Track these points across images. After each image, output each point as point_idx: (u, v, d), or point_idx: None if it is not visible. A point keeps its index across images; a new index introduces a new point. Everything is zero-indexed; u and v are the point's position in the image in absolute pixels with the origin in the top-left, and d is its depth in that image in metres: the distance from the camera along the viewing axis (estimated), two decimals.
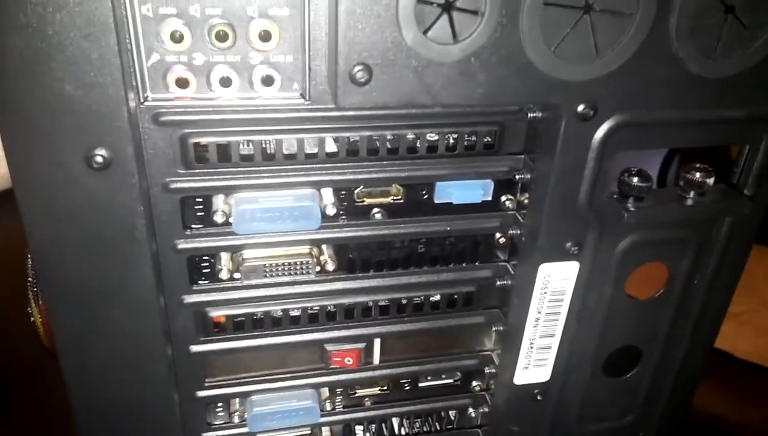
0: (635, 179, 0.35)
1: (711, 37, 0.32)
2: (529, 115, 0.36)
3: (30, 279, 0.58)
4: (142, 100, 0.31)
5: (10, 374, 0.64)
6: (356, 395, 0.46)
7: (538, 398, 0.44)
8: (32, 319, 0.59)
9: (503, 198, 0.40)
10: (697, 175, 0.36)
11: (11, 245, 0.44)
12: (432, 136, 0.36)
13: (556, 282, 0.39)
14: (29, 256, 0.46)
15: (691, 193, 0.37)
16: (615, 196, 0.37)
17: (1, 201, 0.90)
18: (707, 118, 0.35)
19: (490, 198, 0.39)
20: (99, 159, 0.30)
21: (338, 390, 0.45)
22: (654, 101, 0.34)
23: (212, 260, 0.38)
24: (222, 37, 0.30)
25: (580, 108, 0.33)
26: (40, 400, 0.61)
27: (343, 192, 0.38)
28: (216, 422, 0.44)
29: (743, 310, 0.70)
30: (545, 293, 0.39)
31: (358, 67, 0.29)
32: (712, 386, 0.63)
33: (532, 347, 0.41)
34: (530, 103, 0.35)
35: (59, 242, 0.32)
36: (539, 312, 0.40)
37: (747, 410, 0.62)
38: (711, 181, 0.36)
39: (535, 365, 0.42)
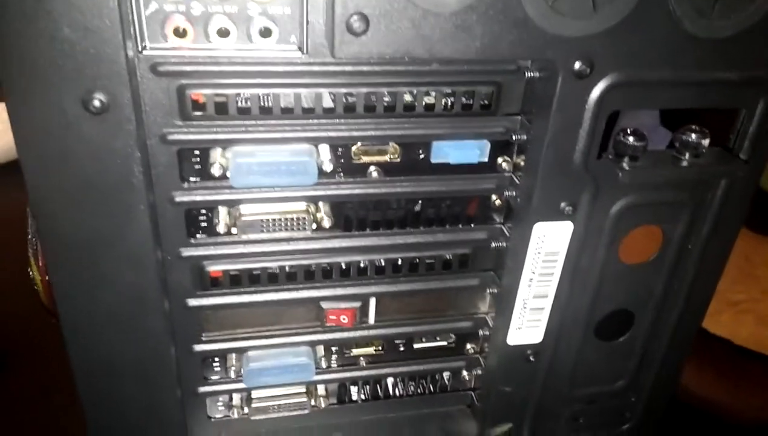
0: (630, 138, 0.36)
1: None
2: (526, 74, 0.36)
3: (30, 237, 0.58)
4: (140, 50, 0.32)
5: (8, 338, 0.64)
6: (351, 354, 0.47)
7: (531, 359, 0.44)
8: (32, 276, 0.59)
9: (499, 159, 0.40)
10: (693, 136, 0.36)
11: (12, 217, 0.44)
12: (429, 95, 0.37)
13: (550, 242, 0.39)
14: (29, 212, 0.47)
15: (687, 155, 0.37)
16: (610, 156, 0.37)
17: (4, 172, 0.91)
18: (703, 80, 0.35)
19: (486, 159, 0.39)
20: (96, 103, 0.30)
21: (333, 349, 0.46)
22: (650, 60, 0.34)
23: (210, 215, 0.38)
24: None
25: (577, 65, 0.33)
26: (37, 364, 0.61)
27: (340, 149, 0.38)
28: (212, 377, 0.44)
29: (743, 298, 0.70)
30: (539, 253, 0.40)
31: (355, 17, 0.29)
32: (710, 372, 0.64)
33: (525, 308, 0.42)
34: (526, 58, 0.35)
35: (57, 188, 0.32)
36: (533, 272, 0.40)
37: (744, 397, 0.63)
38: (706, 142, 0.36)
39: (528, 325, 0.43)
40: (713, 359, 0.65)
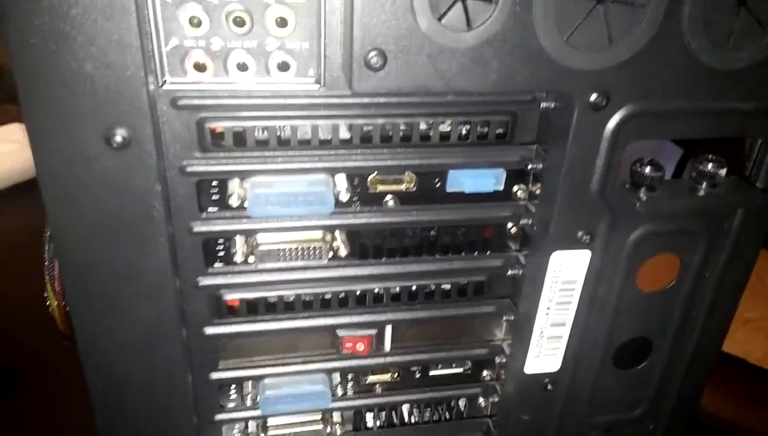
0: (648, 169, 0.36)
1: (723, 30, 0.32)
2: (541, 105, 0.36)
3: (46, 263, 0.59)
4: (160, 84, 0.32)
5: (22, 357, 0.65)
6: (367, 381, 0.47)
7: (549, 387, 0.44)
8: (47, 303, 0.60)
9: (515, 188, 0.40)
10: (710, 166, 0.36)
11: (28, 236, 0.45)
12: (445, 125, 0.37)
13: (567, 271, 0.39)
14: (46, 237, 0.47)
15: (704, 184, 0.37)
16: (627, 185, 0.37)
17: (20, 192, 0.92)
18: (718, 110, 0.35)
19: (501, 188, 0.40)
20: (119, 138, 0.30)
21: (349, 376, 0.46)
22: (666, 92, 0.34)
23: (227, 244, 0.39)
24: (239, 22, 0.31)
25: (593, 97, 0.33)
26: (50, 383, 0.61)
27: (356, 179, 0.38)
28: (228, 405, 0.45)
29: (755, 316, 0.70)
30: (556, 281, 0.39)
31: (372, 53, 0.30)
32: (725, 391, 0.63)
33: (542, 336, 0.42)
34: (542, 90, 0.35)
35: (78, 221, 0.32)
36: (550, 301, 0.40)
37: (759, 416, 0.62)
38: (723, 172, 0.36)
39: (545, 354, 0.43)
40: (727, 378, 0.64)
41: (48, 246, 0.50)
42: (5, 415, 0.59)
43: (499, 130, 0.37)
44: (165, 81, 0.32)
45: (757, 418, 0.61)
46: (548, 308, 0.41)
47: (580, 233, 0.38)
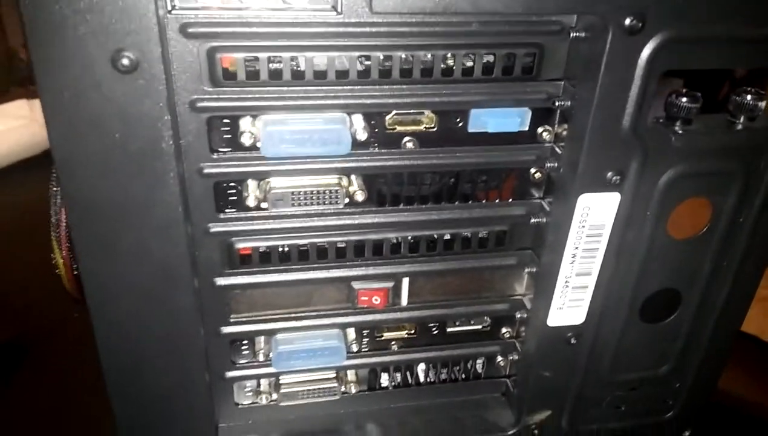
0: (684, 100, 0.34)
1: None
2: (571, 34, 0.34)
3: (52, 221, 0.57)
4: (169, 9, 0.30)
5: (30, 330, 0.64)
6: (383, 338, 0.45)
7: (572, 341, 0.42)
8: (54, 262, 0.58)
9: (540, 129, 0.38)
10: (748, 97, 0.34)
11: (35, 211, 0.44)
12: (468, 59, 0.35)
13: (595, 215, 0.37)
14: (52, 193, 0.46)
15: (742, 118, 0.35)
16: (661, 120, 0.35)
17: (27, 167, 0.92)
18: (759, 37, 0.33)
19: (527, 128, 0.38)
20: (125, 61, 0.29)
21: (365, 332, 0.45)
22: (704, 15, 0.32)
23: (239, 188, 0.37)
24: None
25: (628, 21, 0.31)
26: (59, 354, 0.61)
27: (373, 119, 0.36)
28: (240, 361, 0.43)
29: None
30: (583, 226, 0.38)
31: None
32: (738, 368, 0.62)
33: (567, 286, 0.40)
34: (575, 12, 0.33)
35: (84, 152, 0.31)
36: (576, 248, 0.39)
37: None
38: (762, 104, 0.35)
39: (570, 305, 0.41)
40: (741, 356, 0.63)
41: (53, 203, 0.49)
42: (14, 387, 0.58)
43: (525, 64, 0.35)
44: (174, 6, 0.30)
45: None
46: (573, 257, 0.39)
47: (609, 174, 0.36)
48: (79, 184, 0.32)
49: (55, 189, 0.41)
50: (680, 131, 0.34)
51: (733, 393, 0.59)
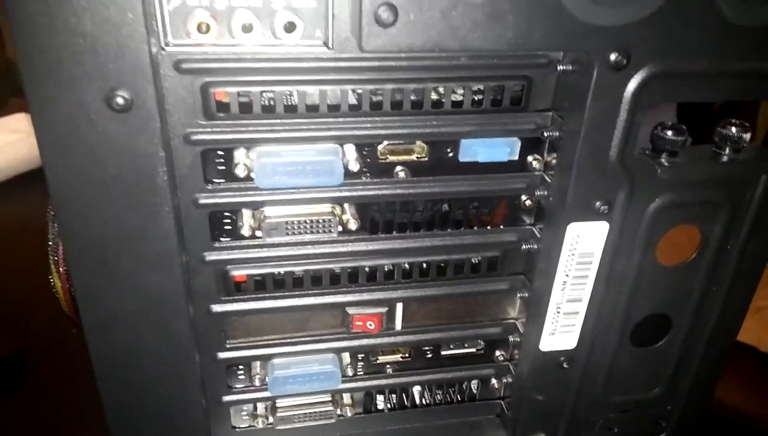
0: (669, 133, 0.34)
1: None
2: (558, 67, 0.35)
3: (50, 244, 0.58)
4: (163, 47, 0.31)
5: (29, 343, 0.64)
6: (378, 361, 0.46)
7: (564, 366, 0.43)
8: (53, 284, 0.59)
9: (530, 158, 0.39)
10: (733, 130, 0.35)
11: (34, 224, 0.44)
12: (457, 91, 0.36)
13: (584, 243, 0.38)
14: (50, 216, 0.46)
15: (727, 150, 0.35)
16: (647, 151, 0.35)
17: (25, 181, 0.92)
18: (743, 71, 0.34)
19: (516, 157, 0.38)
20: (120, 100, 0.29)
21: (360, 356, 0.45)
22: (689, 50, 0.32)
23: (234, 218, 0.38)
24: None
25: (613, 56, 0.32)
26: (57, 367, 0.61)
27: (366, 149, 0.37)
28: (237, 386, 0.43)
29: (767, 304, 0.69)
30: (573, 254, 0.38)
31: (383, 8, 0.29)
32: (734, 378, 0.62)
33: (558, 312, 0.40)
34: (560, 49, 0.33)
35: (79, 187, 0.31)
36: (566, 275, 0.39)
37: None
38: (747, 136, 0.35)
39: (561, 331, 0.41)
40: (738, 367, 0.63)
41: (51, 226, 0.49)
42: (14, 403, 0.58)
43: (514, 96, 0.36)
44: (168, 43, 0.31)
45: (766, 407, 0.60)
46: (564, 283, 0.40)
47: (597, 203, 0.36)
48: (75, 216, 0.32)
49: (53, 213, 0.42)
50: (666, 163, 0.35)
51: (730, 404, 0.60)
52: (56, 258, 0.56)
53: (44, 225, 0.50)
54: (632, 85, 0.33)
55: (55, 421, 0.56)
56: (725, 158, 0.36)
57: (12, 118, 1.00)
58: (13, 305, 0.69)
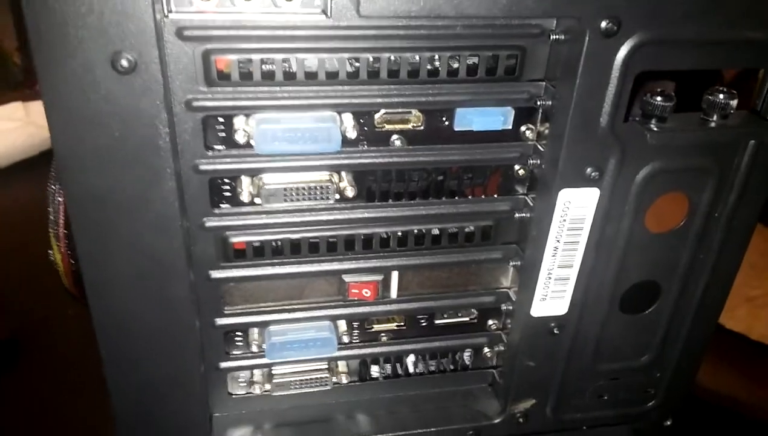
0: (658, 99, 0.35)
1: None
2: (551, 37, 0.36)
3: (51, 217, 0.58)
4: (166, 13, 0.32)
5: (24, 326, 0.65)
6: (373, 329, 0.47)
7: (555, 331, 0.44)
8: (53, 259, 0.60)
9: (523, 127, 0.40)
10: (720, 96, 0.36)
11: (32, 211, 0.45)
12: (453, 60, 0.36)
13: (575, 209, 0.39)
14: (50, 190, 0.47)
15: (714, 117, 0.36)
16: (637, 118, 0.36)
17: (22, 169, 0.93)
18: (731, 39, 0.35)
19: (510, 127, 0.39)
20: (124, 62, 0.30)
21: (355, 324, 0.46)
22: (678, 18, 0.33)
23: (233, 184, 0.38)
24: None
25: (604, 24, 0.33)
26: (52, 350, 0.62)
27: (363, 117, 0.38)
28: (234, 352, 0.44)
29: (759, 294, 0.70)
30: (564, 220, 0.39)
31: None
32: (726, 367, 0.63)
33: (550, 278, 0.42)
34: (553, 15, 0.34)
35: (84, 148, 0.32)
36: (558, 241, 0.40)
37: (761, 392, 0.62)
38: (734, 103, 0.36)
39: (552, 296, 0.42)
40: (729, 355, 0.64)
41: (52, 201, 0.50)
42: (8, 384, 0.59)
43: (508, 65, 0.37)
44: (171, 10, 0.32)
45: (758, 394, 0.61)
46: (555, 249, 0.41)
47: (588, 170, 0.37)
48: (79, 179, 0.33)
49: (53, 187, 0.43)
50: (655, 129, 0.36)
51: (722, 391, 0.61)
52: (56, 232, 0.57)
53: (41, 212, 0.50)
54: (622, 53, 0.34)
55: (49, 403, 0.57)
56: (713, 124, 0.37)
57: (8, 106, 1.00)
58: (9, 291, 0.70)
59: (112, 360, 0.40)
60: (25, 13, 0.28)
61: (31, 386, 0.59)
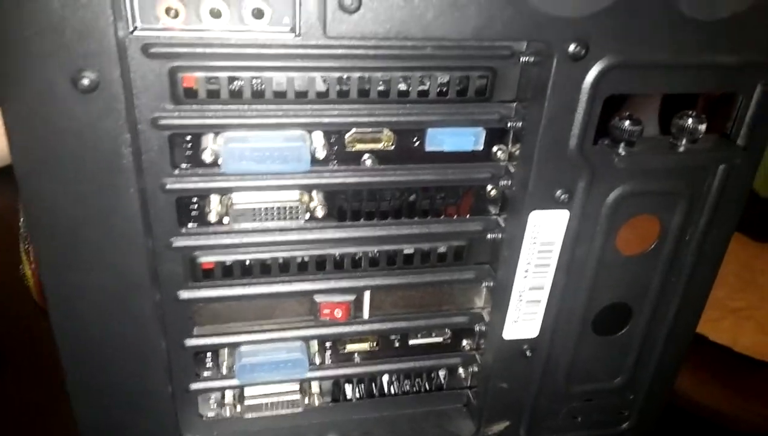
0: (626, 123, 0.35)
1: None
2: (521, 59, 0.36)
3: (22, 232, 0.58)
4: (131, 30, 0.31)
5: (5, 336, 0.64)
6: (346, 350, 0.46)
7: (528, 354, 0.44)
8: (23, 273, 0.59)
9: (495, 148, 0.40)
10: (689, 121, 0.36)
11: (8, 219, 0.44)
12: (424, 81, 0.36)
13: (545, 231, 0.39)
14: (21, 205, 0.46)
15: (683, 141, 0.36)
16: (606, 142, 0.36)
17: (5, 175, 0.92)
18: (700, 63, 0.35)
19: (481, 148, 0.39)
20: (85, 81, 0.30)
21: (327, 345, 0.45)
22: (646, 42, 0.33)
23: (201, 204, 0.38)
24: None
25: (572, 47, 0.33)
26: (33, 361, 0.61)
27: (333, 136, 0.38)
28: (204, 373, 0.44)
29: (743, 306, 0.70)
30: (535, 242, 0.39)
31: None
32: (710, 379, 0.63)
33: (521, 300, 0.41)
34: (521, 39, 0.34)
35: (46, 168, 0.32)
36: (528, 263, 0.40)
37: (745, 404, 0.62)
38: (703, 127, 0.36)
39: (524, 318, 0.42)
40: (713, 367, 0.64)
41: (23, 216, 0.49)
42: None
43: (479, 86, 0.37)
44: (136, 27, 0.31)
45: (742, 407, 0.61)
46: (527, 271, 0.40)
47: (558, 192, 0.37)
48: (40, 197, 0.32)
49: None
50: (623, 153, 0.36)
51: (706, 403, 0.60)
52: (27, 248, 0.56)
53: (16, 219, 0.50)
54: (591, 76, 0.34)
55: (32, 410, 0.56)
56: (682, 148, 0.37)
57: None
58: None
59: (76, 380, 0.39)
60: None
61: (12, 393, 0.58)
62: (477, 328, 0.46)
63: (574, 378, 0.46)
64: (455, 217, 0.42)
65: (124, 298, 0.37)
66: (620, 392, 0.48)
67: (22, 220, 0.55)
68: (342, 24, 0.30)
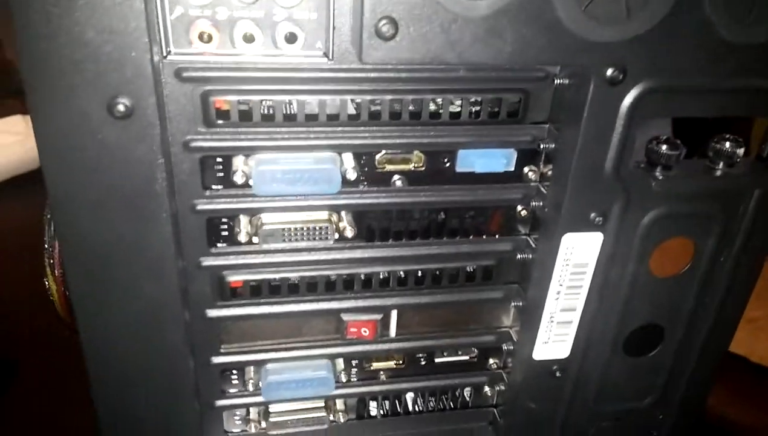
0: (664, 147, 0.35)
1: (744, 2, 0.31)
2: (555, 81, 0.35)
3: (46, 247, 0.58)
4: (165, 55, 0.31)
5: (21, 347, 0.64)
6: (371, 368, 0.46)
7: (557, 374, 0.43)
8: (47, 287, 0.59)
9: (526, 169, 0.39)
10: (727, 145, 0.35)
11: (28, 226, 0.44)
12: (455, 102, 0.36)
13: (579, 254, 0.38)
14: (46, 219, 0.47)
15: (720, 164, 0.36)
16: (642, 165, 0.36)
17: (21, 183, 0.92)
18: (737, 87, 0.34)
19: (512, 168, 0.39)
20: (121, 108, 0.30)
21: (353, 362, 0.45)
22: (684, 67, 0.33)
23: (231, 223, 0.38)
24: None
25: (609, 72, 0.32)
26: (49, 373, 0.61)
27: (363, 157, 0.37)
28: (230, 390, 0.44)
29: (759, 315, 0.69)
30: (567, 264, 0.39)
31: (383, 21, 0.29)
32: (727, 390, 0.62)
33: (552, 321, 0.41)
34: (557, 64, 0.34)
35: (78, 194, 0.32)
36: (561, 285, 0.39)
37: (762, 415, 0.61)
38: (741, 151, 0.36)
39: (555, 340, 0.42)
40: (730, 377, 0.64)
41: (48, 229, 0.50)
42: (4, 406, 0.58)
43: (511, 108, 0.36)
44: (169, 51, 0.31)
45: (758, 416, 0.60)
46: (558, 293, 0.40)
47: (592, 215, 0.37)
48: (73, 222, 0.33)
49: (49, 217, 0.42)
50: (660, 176, 0.35)
51: (721, 413, 0.60)
52: (51, 260, 0.56)
53: (38, 229, 0.50)
54: (628, 100, 0.33)
55: (44, 424, 0.56)
56: (719, 173, 0.36)
57: (8, 120, 0.99)
58: (6, 309, 0.69)
59: (104, 397, 0.39)
60: (20, 58, 0.28)
61: (25, 407, 0.58)
62: (505, 347, 0.45)
63: (604, 398, 0.45)
64: (484, 236, 0.41)
65: (154, 318, 0.37)
66: (650, 412, 0.47)
67: (46, 232, 0.55)
68: (377, 50, 0.30)
